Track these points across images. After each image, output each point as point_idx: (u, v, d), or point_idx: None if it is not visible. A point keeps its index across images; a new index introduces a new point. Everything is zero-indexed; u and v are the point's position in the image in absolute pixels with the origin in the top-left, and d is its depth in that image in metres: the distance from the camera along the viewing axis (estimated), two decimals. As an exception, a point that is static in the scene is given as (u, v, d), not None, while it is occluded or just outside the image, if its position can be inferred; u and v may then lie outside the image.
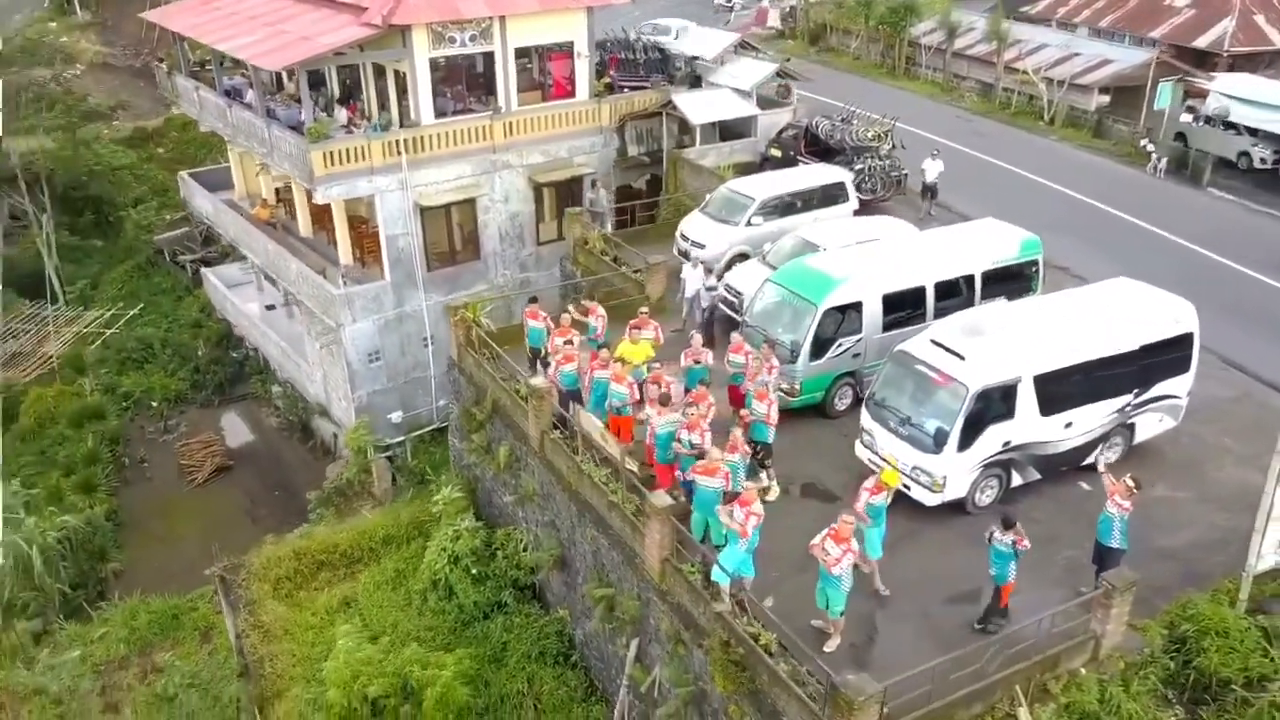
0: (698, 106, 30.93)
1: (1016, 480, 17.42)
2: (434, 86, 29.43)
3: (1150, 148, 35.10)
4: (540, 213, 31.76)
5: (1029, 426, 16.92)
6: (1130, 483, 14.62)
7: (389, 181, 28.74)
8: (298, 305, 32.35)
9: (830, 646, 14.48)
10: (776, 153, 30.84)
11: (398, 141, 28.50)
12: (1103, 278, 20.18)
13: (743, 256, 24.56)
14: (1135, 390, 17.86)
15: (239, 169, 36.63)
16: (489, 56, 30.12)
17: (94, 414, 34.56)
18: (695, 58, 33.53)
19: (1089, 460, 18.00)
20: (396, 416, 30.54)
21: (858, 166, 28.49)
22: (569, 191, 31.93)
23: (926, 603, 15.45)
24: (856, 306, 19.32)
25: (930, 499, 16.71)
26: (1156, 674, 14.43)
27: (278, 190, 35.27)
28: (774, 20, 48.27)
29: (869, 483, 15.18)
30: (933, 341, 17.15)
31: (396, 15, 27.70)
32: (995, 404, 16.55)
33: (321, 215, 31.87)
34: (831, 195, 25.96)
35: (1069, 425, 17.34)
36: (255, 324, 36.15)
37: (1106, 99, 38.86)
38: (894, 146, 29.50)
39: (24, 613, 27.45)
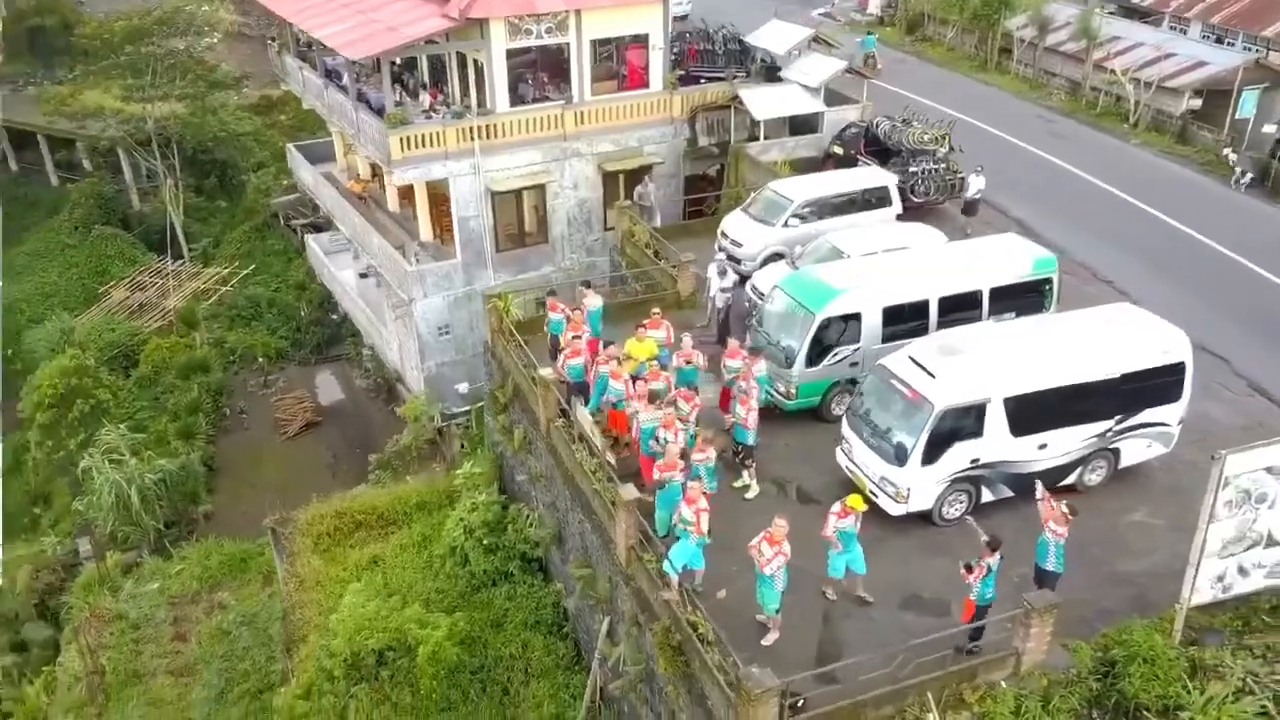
0: (763, 101, 31.63)
1: (987, 496, 18.03)
2: (510, 76, 30.95)
3: (1233, 158, 33.98)
4: (608, 199, 32.99)
5: (999, 446, 17.50)
6: (1065, 510, 15.21)
7: (462, 166, 30.49)
8: (377, 277, 34.57)
9: (767, 640, 15.61)
10: (839, 150, 31.38)
11: (471, 128, 30.21)
12: (1156, 298, 20.23)
13: (778, 257, 25.38)
14: (1118, 416, 18.18)
15: (340, 143, 39.02)
16: (564, 47, 31.46)
17: (200, 366, 37.66)
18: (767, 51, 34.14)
19: (1068, 481, 18.49)
20: (463, 387, 32.50)
21: (911, 169, 28.85)
22: (637, 180, 33.09)
23: (880, 607, 16.36)
24: (855, 317, 20.04)
25: (895, 509, 17.53)
26: (1080, 694, 15.04)
27: (372, 165, 37.50)
28: (874, 6, 48.09)
29: (836, 507, 15.84)
30: (909, 358, 17.87)
31: (474, 9, 29.26)
32: (962, 422, 17.21)
33: (408, 192, 33.87)
34: (874, 199, 26.44)
35: (1043, 446, 17.83)
36: (346, 290, 38.62)
37: (1198, 103, 37.61)
38: (951, 150, 29.66)
39: (122, 544, 30.65)
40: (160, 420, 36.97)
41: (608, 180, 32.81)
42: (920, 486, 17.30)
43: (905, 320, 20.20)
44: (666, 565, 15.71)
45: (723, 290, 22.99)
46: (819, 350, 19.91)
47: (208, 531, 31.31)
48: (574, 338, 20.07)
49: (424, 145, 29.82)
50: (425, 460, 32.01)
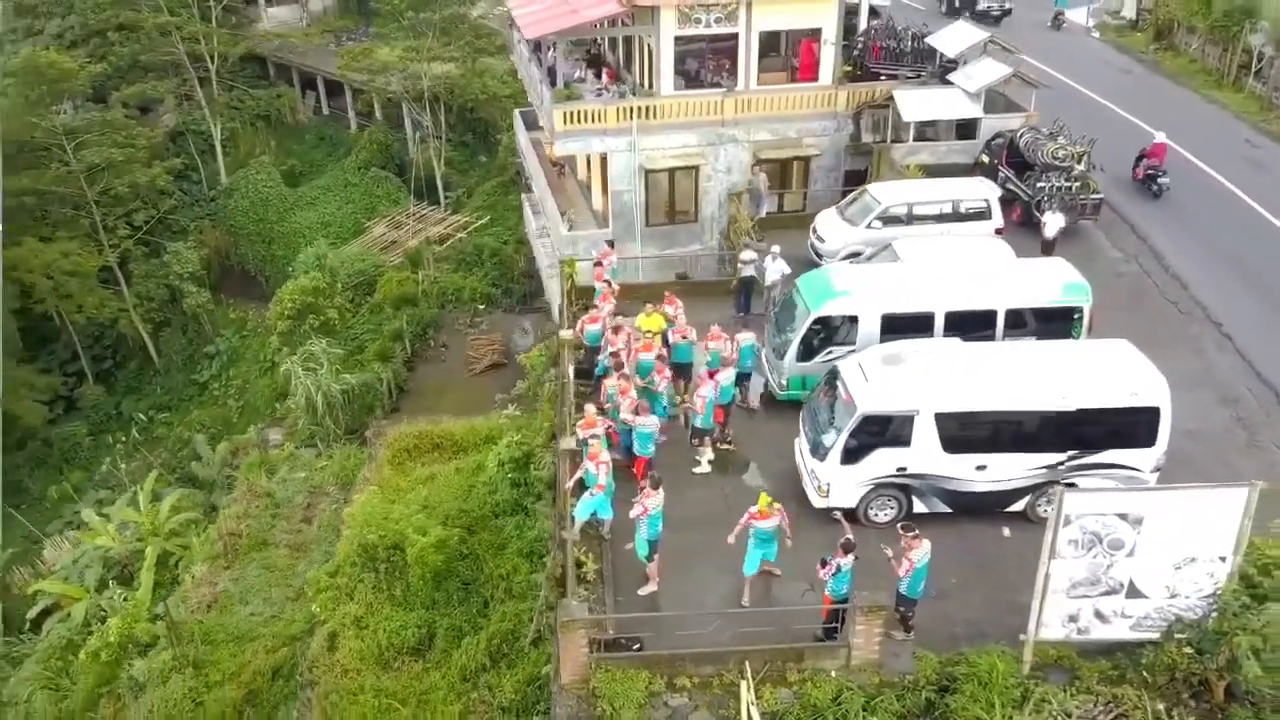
0: (914, 103, 31.67)
1: (919, 507, 18.49)
2: (679, 61, 33.01)
3: None
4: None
5: (930, 460, 17.94)
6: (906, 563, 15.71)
7: (619, 143, 32.98)
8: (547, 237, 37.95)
9: (643, 590, 17.37)
10: (985, 159, 31.00)
11: (631, 108, 32.66)
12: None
13: (856, 256, 26.07)
14: (1071, 452, 17.99)
15: (545, 112, 42.54)
16: (734, 36, 33.04)
17: (409, 300, 42.86)
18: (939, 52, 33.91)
19: (1016, 508, 18.54)
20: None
21: (1039, 184, 28.18)
22: (793, 170, 34.22)
23: (786, 585, 17.56)
24: (853, 319, 20.76)
25: (816, 501, 18.49)
26: (910, 701, 15.62)
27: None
28: (1129, 10, 45.12)
29: (753, 508, 16.78)
30: (857, 363, 18.65)
31: (642, -2, 31.60)
32: (887, 430, 17.86)
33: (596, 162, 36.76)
34: (971, 211, 26.30)
35: (981, 468, 18.05)
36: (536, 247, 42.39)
37: None
38: (1089, 169, 28.53)
39: (304, 440, 36.21)
40: (375, 342, 42.62)
41: (763, 167, 34.09)
42: (840, 484, 18.16)
43: (907, 330, 20.48)
44: (576, 510, 17.84)
45: (770, 284, 24.23)
46: (811, 346, 20.86)
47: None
48: (593, 307, 22.25)
49: (585, 121, 32.57)
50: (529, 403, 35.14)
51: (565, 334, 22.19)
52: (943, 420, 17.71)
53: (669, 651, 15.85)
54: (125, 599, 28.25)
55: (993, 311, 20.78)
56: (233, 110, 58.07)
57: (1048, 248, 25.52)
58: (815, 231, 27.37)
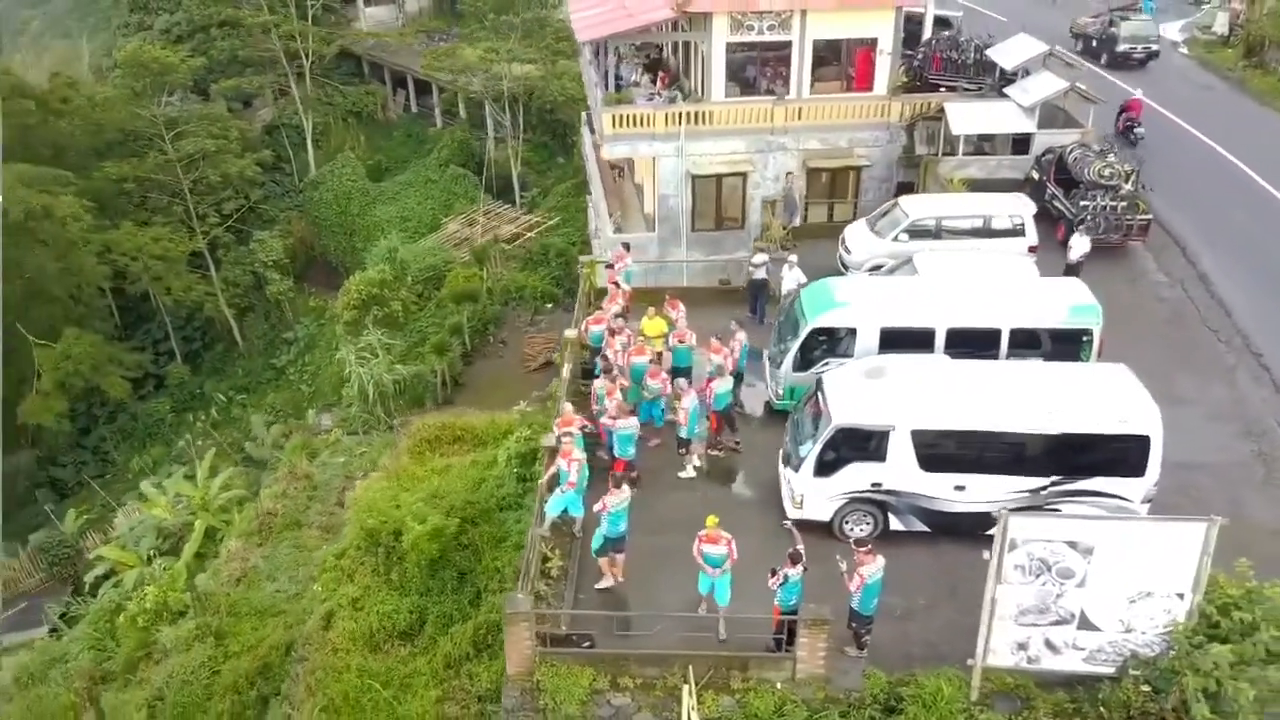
0: (965, 116, 31.02)
1: (896, 525, 18.23)
2: (731, 67, 33.04)
3: None
4: (811, 195, 34.07)
5: (906, 477, 17.70)
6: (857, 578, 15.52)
7: (667, 148, 33.13)
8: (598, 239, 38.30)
9: (600, 584, 17.58)
10: (1035, 175, 30.26)
11: (679, 113, 32.80)
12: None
13: (880, 268, 25.76)
14: (1054, 477, 17.53)
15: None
16: (787, 44, 32.90)
17: (470, 296, 43.75)
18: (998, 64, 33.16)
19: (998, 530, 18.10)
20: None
21: (1083, 203, 27.39)
22: (844, 180, 33.89)
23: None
24: (851, 332, 20.55)
25: (791, 511, 18.38)
26: (856, 718, 15.49)
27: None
28: (1220, 25, 43.17)
29: (701, 531, 16.37)
30: (841, 375, 18.50)
31: (692, 4, 31.70)
32: (861, 444, 17.68)
33: (649, 167, 37.08)
34: (1003, 228, 25.72)
35: (960, 489, 17.71)
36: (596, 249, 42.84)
37: None
38: (1137, 189, 27.59)
39: (357, 425, 37.35)
40: (435, 335, 43.67)
41: (812, 176, 33.87)
42: (813, 496, 18.04)
43: (907, 345, 20.14)
44: (546, 507, 18.14)
45: (786, 292, 24.13)
46: (808, 357, 20.73)
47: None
48: (598, 309, 22.52)
49: (634, 124, 32.85)
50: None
51: (570, 333, 22.51)
52: (919, 437, 17.45)
53: (614, 651, 16.00)
54: (165, 568, 29.59)
55: (996, 330, 20.31)
56: (325, 106, 60.15)
57: (1072, 271, 24.78)
58: (844, 243, 27.13)
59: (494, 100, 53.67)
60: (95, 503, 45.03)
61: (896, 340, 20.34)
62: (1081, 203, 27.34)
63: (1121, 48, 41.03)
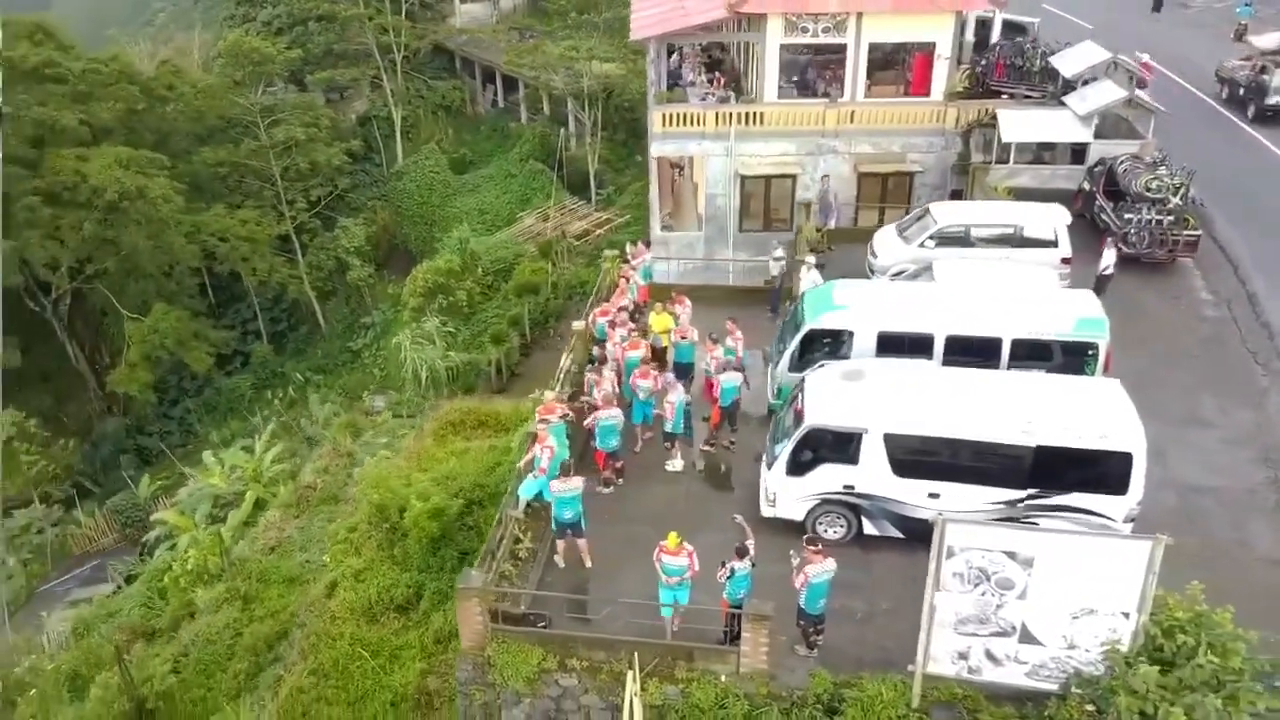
0: (1017, 124, 30.40)
1: (870, 529, 18.10)
2: (782, 69, 33.00)
3: None
4: (861, 199, 33.81)
5: (878, 481, 17.56)
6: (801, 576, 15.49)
7: (716, 147, 33.35)
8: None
9: (585, 562, 17.95)
10: (1086, 186, 29.49)
11: (729, 113, 32.91)
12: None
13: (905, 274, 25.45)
14: (1030, 490, 17.18)
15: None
16: (842, 47, 32.69)
17: (531, 289, 44.50)
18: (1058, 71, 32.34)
19: (974, 541, 17.81)
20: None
21: (1127, 215, 26.60)
22: (896, 185, 33.53)
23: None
24: (848, 335, 20.41)
25: (765, 509, 18.43)
26: (797, 716, 15.49)
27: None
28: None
29: (663, 541, 16.17)
30: (822, 376, 18.45)
31: (747, 5, 31.78)
32: (833, 445, 17.61)
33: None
34: (1034, 238, 25.11)
35: (935, 496, 17.49)
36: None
37: None
38: (1188, 203, 26.63)
39: (407, 408, 38.42)
40: (497, 326, 44.56)
41: (863, 181, 33.60)
42: (786, 495, 18.05)
43: (904, 350, 19.97)
44: (520, 490, 18.60)
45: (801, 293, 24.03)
46: (806, 358, 20.65)
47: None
48: (605, 302, 22.85)
49: (684, 123, 33.13)
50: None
51: (577, 325, 22.91)
52: (892, 441, 17.30)
53: (564, 633, 16.31)
54: (209, 534, 30.99)
55: (998, 340, 19.92)
56: (418, 99, 61.82)
57: (1102, 282, 24.11)
58: (872, 247, 26.88)
59: (574, 98, 54.38)
60: (174, 471, 47.18)
61: (894, 345, 20.13)
62: (1125, 215, 26.56)
63: (1273, 100, 35.23)
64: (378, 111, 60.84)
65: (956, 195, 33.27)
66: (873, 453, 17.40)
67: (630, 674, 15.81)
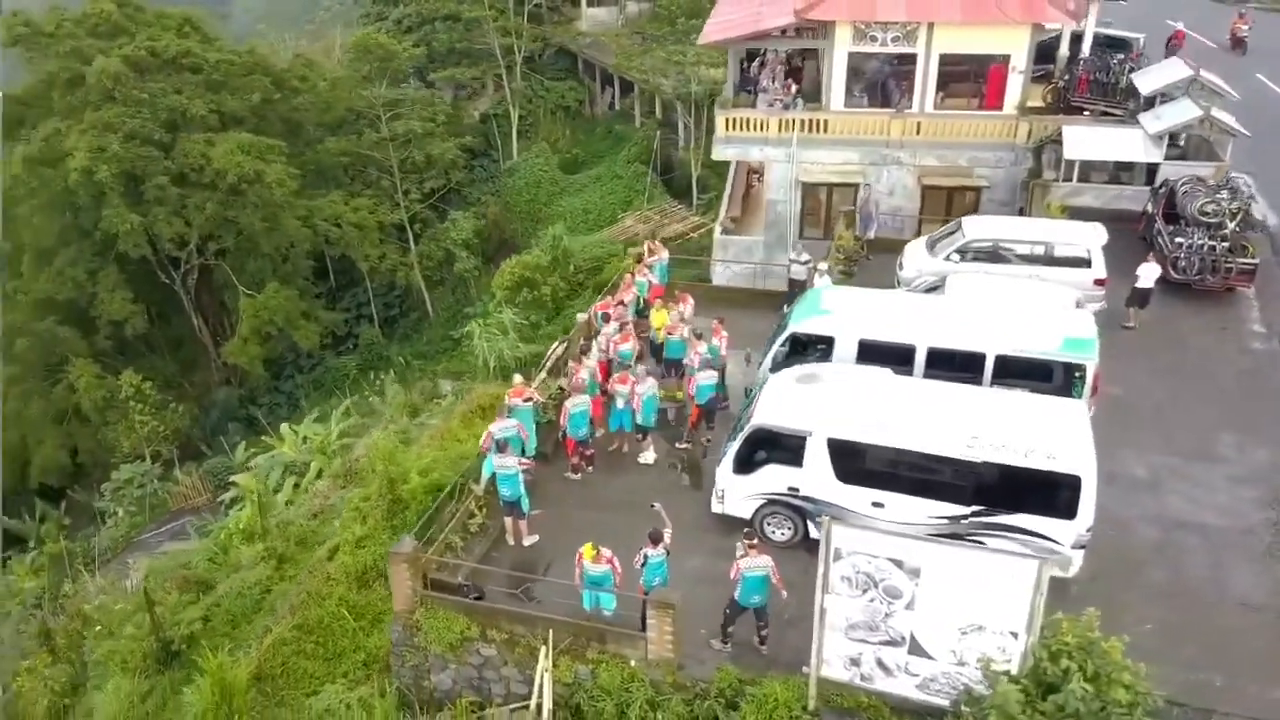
0: (1081, 141, 29.32)
1: (815, 534, 17.92)
2: (850, 77, 32.77)
3: None
4: (925, 212, 33.17)
5: (822, 485, 17.46)
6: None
7: (778, 153, 33.37)
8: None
9: (526, 541, 18.63)
10: (1149, 207, 28.24)
11: (793, 120, 32.86)
12: None
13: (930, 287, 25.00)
14: (974, 507, 16.78)
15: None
16: (912, 57, 32.23)
17: (612, 288, 45.15)
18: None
19: (920, 554, 17.51)
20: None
21: (1177, 239, 25.40)
22: (960, 199, 32.80)
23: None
24: (829, 341, 20.29)
25: (714, 505, 18.56)
26: (700, 710, 15.63)
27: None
28: None
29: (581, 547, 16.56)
30: (780, 378, 18.46)
31: (814, 11, 31.71)
32: (777, 445, 17.63)
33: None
34: (1066, 257, 24.25)
35: (878, 505, 17.28)
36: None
37: None
38: (1245, 229, 25.20)
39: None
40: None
41: (926, 194, 33.00)
42: (732, 492, 18.16)
43: (885, 360, 19.60)
44: (484, 467, 19.28)
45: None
46: (788, 361, 20.61)
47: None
48: (618, 304, 23.39)
49: (747, 128, 33.27)
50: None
51: (580, 317, 23.44)
52: (835, 446, 17.19)
53: (489, 605, 16.87)
54: (263, 498, 32.85)
55: (980, 355, 19.46)
56: (539, 98, 63.54)
57: (1138, 297, 23.17)
58: (901, 258, 26.47)
59: (681, 101, 54.92)
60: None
61: (875, 354, 19.89)
62: (1177, 239, 25.38)
63: None
64: (499, 110, 62.75)
65: (1023, 212, 32.31)
66: (817, 456, 17.33)
67: (543, 649, 16.24)
